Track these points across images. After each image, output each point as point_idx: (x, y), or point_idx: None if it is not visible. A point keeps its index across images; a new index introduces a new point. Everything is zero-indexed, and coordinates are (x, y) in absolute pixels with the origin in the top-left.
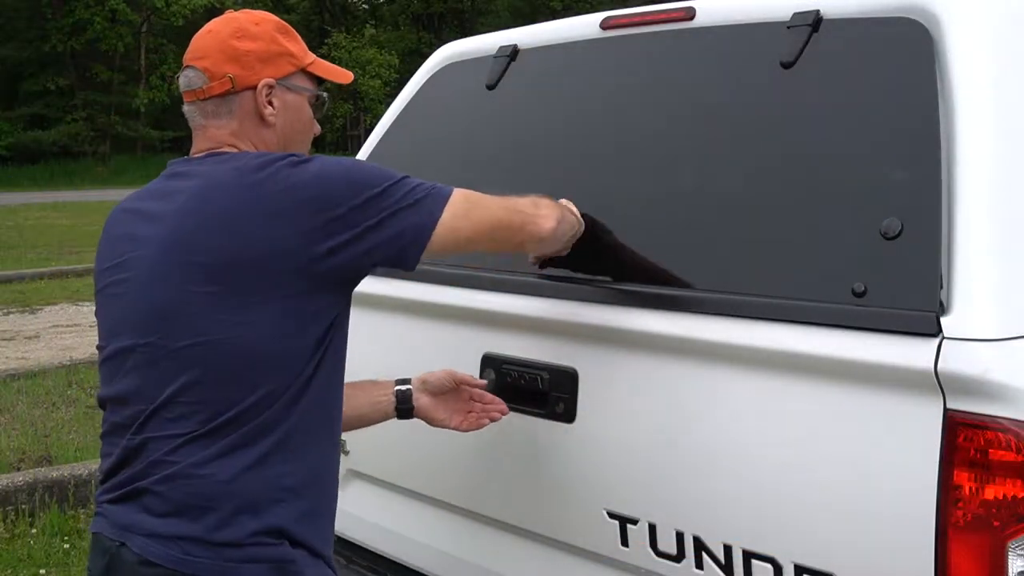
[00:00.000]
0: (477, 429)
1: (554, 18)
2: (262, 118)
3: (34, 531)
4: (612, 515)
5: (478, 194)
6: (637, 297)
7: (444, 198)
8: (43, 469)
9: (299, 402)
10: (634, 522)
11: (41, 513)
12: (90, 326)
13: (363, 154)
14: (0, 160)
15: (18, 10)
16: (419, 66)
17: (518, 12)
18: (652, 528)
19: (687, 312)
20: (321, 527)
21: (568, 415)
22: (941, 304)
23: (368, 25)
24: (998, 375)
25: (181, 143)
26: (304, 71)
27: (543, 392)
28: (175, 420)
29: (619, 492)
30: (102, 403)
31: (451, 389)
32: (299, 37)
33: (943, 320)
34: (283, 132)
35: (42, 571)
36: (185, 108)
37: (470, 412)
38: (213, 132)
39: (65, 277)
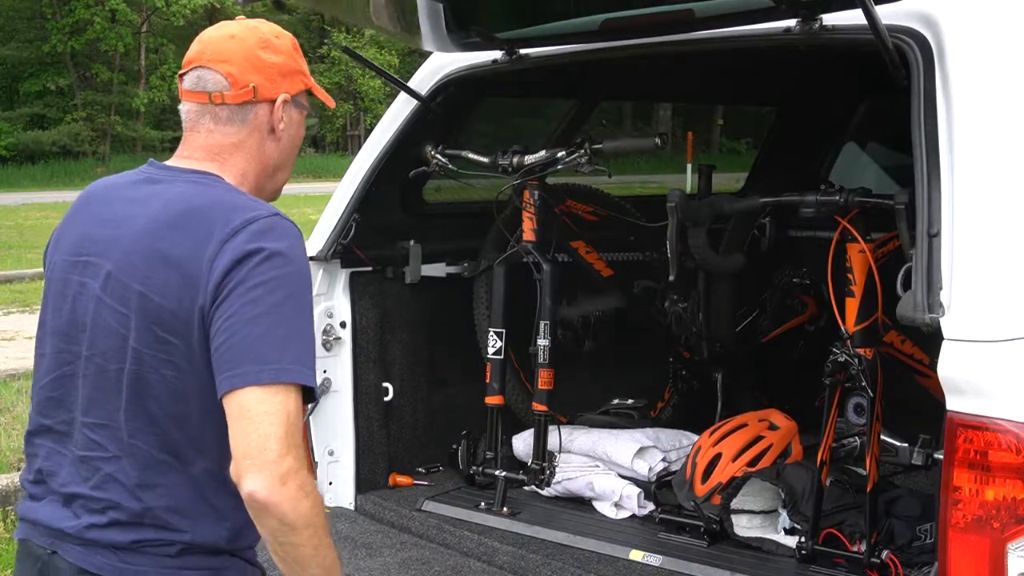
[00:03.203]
0: None
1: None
2: (272, 131)
3: None
4: None
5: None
6: None
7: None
8: None
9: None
10: None
11: None
12: None
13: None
14: (0, 160)
15: (18, 10)
16: (419, 66)
17: None
18: None
19: None
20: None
21: None
22: (941, 305)
23: None
24: (998, 376)
25: None
26: (307, 90)
27: None
28: None
29: None
30: None
31: None
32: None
33: (943, 321)
34: (284, 147)
35: None
36: (188, 107)
37: None
38: (217, 139)
39: None
